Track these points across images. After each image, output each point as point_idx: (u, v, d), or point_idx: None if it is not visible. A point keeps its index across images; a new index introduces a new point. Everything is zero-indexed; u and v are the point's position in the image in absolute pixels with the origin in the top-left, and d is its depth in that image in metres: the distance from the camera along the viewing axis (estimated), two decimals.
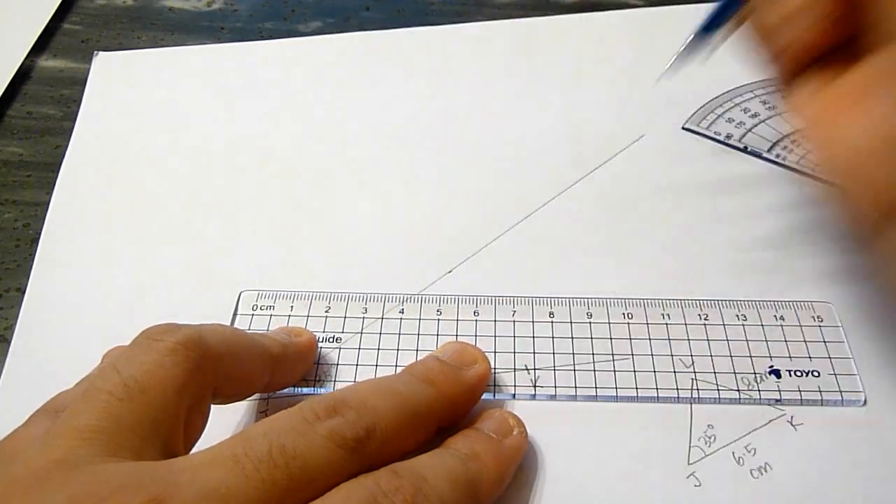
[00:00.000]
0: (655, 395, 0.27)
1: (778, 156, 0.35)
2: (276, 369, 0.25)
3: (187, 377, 0.21)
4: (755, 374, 0.28)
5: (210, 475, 0.18)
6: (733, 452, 0.26)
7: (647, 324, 0.29)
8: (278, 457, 0.19)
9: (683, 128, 0.37)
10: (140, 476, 0.18)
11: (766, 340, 0.29)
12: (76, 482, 0.18)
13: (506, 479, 0.24)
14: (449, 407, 0.24)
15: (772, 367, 0.28)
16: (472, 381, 0.26)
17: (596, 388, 0.28)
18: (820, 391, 0.27)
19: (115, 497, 0.17)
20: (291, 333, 0.28)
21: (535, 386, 0.28)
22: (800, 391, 0.27)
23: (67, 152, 0.37)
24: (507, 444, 0.25)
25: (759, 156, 0.36)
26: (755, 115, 0.37)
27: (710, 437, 0.26)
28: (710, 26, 0.27)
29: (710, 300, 0.30)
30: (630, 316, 0.30)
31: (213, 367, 0.22)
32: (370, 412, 0.21)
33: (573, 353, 0.28)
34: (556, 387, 0.28)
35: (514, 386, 0.28)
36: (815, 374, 0.28)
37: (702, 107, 0.38)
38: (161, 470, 0.18)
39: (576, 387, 0.28)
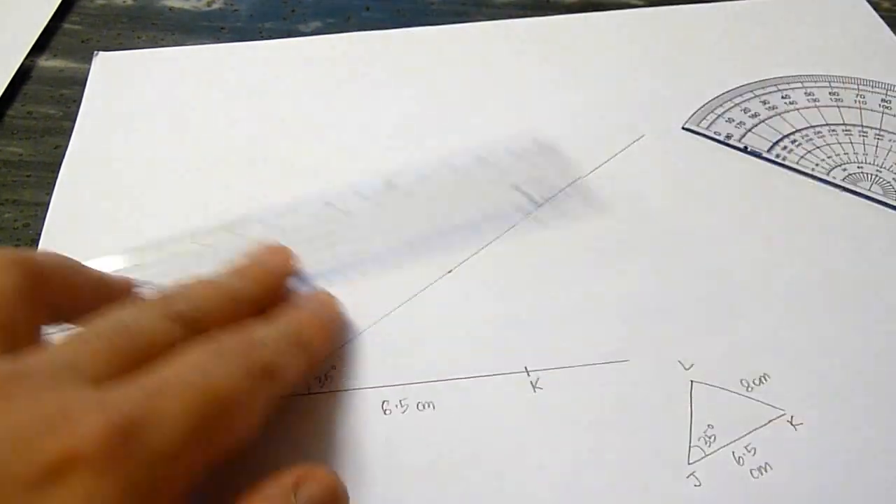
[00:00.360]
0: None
1: (778, 156, 0.35)
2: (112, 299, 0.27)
3: (18, 286, 0.22)
4: (755, 374, 0.28)
5: (59, 352, 0.21)
6: (733, 452, 0.26)
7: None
8: (122, 331, 0.22)
9: (683, 128, 0.37)
10: None
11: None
12: None
13: (330, 334, 0.28)
14: (261, 290, 0.27)
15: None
16: (275, 265, 0.29)
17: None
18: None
19: None
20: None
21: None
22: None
23: (67, 152, 0.37)
24: (321, 308, 0.28)
25: (759, 156, 0.36)
26: (755, 115, 0.37)
27: (710, 437, 0.26)
28: None
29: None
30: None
31: (41, 279, 0.23)
32: (198, 296, 0.25)
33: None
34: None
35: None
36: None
37: (702, 107, 0.38)
38: (8, 359, 0.20)
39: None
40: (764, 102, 0.38)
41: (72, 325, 0.25)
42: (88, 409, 0.19)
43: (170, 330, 0.23)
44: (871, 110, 0.37)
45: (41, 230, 0.34)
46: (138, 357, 0.21)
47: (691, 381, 0.28)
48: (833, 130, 0.37)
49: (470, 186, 0.34)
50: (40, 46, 0.44)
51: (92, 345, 0.21)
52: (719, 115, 0.37)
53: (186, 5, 0.47)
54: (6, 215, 0.35)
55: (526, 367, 0.28)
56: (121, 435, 0.18)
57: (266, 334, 0.24)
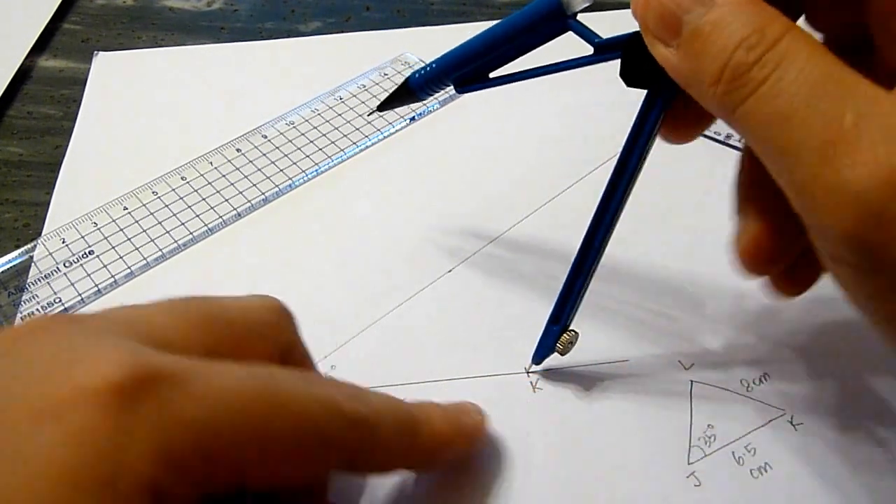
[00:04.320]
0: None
1: None
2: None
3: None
4: (755, 374, 0.28)
5: (128, 313, 0.20)
6: (733, 452, 0.26)
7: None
8: (216, 317, 0.20)
9: None
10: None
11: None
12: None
13: (452, 442, 0.24)
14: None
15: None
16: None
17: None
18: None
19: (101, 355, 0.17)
20: None
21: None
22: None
23: (67, 152, 0.37)
24: (463, 419, 0.24)
25: None
26: None
27: (710, 437, 0.26)
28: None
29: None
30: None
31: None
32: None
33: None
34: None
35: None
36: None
37: None
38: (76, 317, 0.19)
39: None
40: None
41: None
42: (122, 354, 0.16)
43: (265, 336, 0.21)
44: None
45: (41, 230, 0.34)
46: (218, 344, 0.19)
47: (691, 381, 0.28)
48: None
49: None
50: (40, 46, 0.44)
51: (171, 316, 0.19)
52: None
53: (186, 5, 0.47)
54: (6, 215, 0.35)
55: (526, 368, 0.28)
56: (146, 384, 0.16)
57: (376, 399, 0.21)
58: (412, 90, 0.28)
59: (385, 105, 0.30)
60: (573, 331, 0.27)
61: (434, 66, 0.27)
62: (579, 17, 0.25)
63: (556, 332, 0.27)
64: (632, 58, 0.23)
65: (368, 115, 0.36)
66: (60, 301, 0.31)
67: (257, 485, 0.18)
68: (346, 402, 0.19)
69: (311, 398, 0.19)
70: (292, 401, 0.18)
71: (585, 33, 0.24)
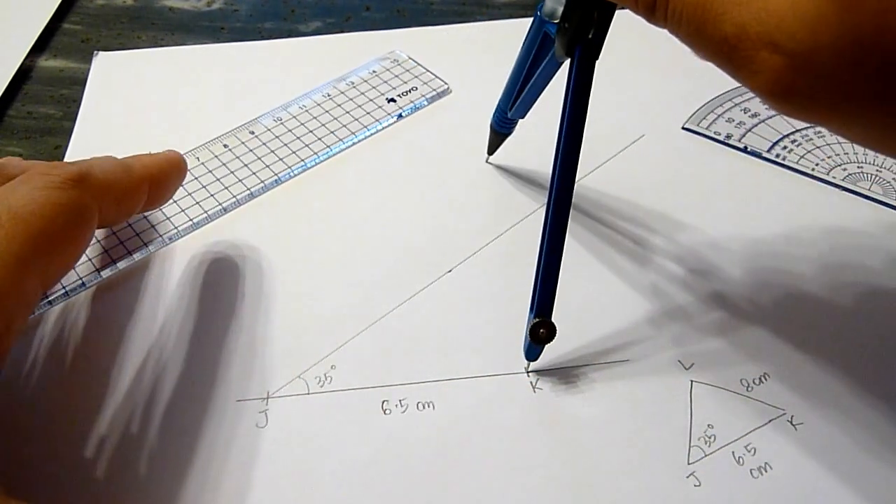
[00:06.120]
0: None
1: (778, 156, 0.35)
2: (153, 186, 0.29)
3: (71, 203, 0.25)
4: (755, 374, 0.28)
5: None
6: (733, 452, 0.26)
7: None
8: None
9: (683, 128, 0.37)
10: None
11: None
12: None
13: (161, 167, 0.29)
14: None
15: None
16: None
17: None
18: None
19: None
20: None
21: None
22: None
23: (67, 152, 0.37)
24: (165, 156, 0.30)
25: (759, 156, 0.36)
26: (755, 115, 0.37)
27: (710, 437, 0.26)
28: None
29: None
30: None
31: (97, 195, 0.26)
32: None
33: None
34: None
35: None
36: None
37: (702, 107, 0.38)
38: None
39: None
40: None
41: None
42: None
43: None
44: None
45: None
46: None
47: (691, 381, 0.28)
48: None
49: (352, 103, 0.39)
50: (40, 46, 0.44)
51: None
52: (719, 115, 0.37)
53: (186, 5, 0.47)
54: None
55: (526, 368, 0.28)
56: None
57: (87, 162, 0.27)
58: (495, 130, 0.34)
59: (489, 150, 0.35)
60: (550, 322, 0.27)
61: (498, 105, 0.33)
62: None
63: (529, 319, 0.27)
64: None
65: (486, 161, 0.36)
66: (48, 302, 0.31)
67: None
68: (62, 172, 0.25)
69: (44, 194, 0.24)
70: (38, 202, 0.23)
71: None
